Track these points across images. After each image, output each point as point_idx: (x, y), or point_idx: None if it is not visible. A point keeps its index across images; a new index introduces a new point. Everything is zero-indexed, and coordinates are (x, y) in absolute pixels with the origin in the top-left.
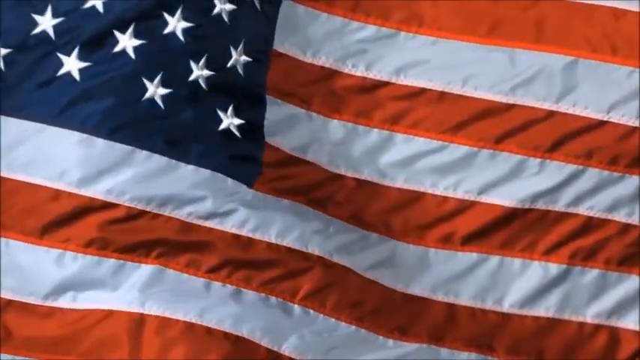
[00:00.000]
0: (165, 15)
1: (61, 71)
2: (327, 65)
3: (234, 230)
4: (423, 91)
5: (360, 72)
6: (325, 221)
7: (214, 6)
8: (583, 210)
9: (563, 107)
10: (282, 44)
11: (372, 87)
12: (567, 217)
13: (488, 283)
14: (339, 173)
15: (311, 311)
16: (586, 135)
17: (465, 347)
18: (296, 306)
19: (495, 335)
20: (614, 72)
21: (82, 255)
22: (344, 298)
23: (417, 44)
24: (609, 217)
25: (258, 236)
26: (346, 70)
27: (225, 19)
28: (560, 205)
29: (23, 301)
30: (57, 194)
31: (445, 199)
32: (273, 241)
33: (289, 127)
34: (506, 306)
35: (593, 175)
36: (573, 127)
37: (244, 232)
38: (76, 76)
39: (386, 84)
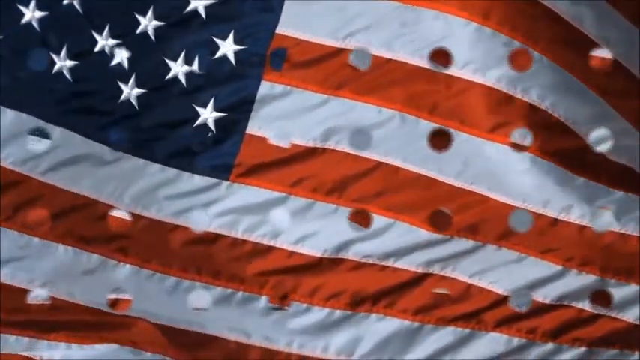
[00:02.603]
0: (137, 15)
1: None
2: (337, 45)
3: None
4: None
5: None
6: (305, 205)
7: (188, 3)
8: (574, 218)
9: (550, 109)
10: (287, 27)
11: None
12: (559, 223)
13: (485, 265)
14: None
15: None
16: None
17: (452, 322)
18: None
19: (488, 311)
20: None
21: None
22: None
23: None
24: None
25: (224, 232)
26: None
27: (202, 14)
28: (553, 211)
29: None
30: None
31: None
32: (239, 237)
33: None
34: (502, 289)
35: (581, 183)
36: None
37: (211, 229)
38: (68, 75)
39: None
